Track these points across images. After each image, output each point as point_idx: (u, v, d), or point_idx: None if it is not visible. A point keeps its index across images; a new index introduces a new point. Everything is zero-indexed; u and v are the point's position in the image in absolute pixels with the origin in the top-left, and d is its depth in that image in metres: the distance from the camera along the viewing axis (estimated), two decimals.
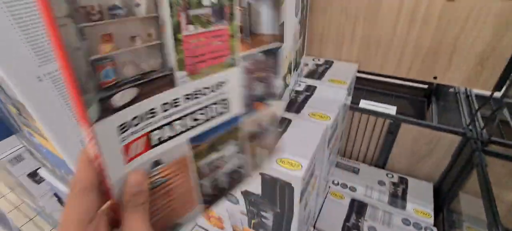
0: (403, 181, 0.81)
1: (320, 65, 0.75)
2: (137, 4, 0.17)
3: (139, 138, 0.20)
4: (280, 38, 0.29)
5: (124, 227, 0.19)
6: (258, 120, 0.31)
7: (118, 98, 0.18)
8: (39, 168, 0.75)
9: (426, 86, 1.24)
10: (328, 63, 0.76)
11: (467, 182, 0.66)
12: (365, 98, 1.31)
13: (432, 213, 0.70)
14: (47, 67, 0.34)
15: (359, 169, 0.86)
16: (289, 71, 0.54)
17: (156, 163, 0.22)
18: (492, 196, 0.52)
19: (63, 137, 0.37)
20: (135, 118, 0.19)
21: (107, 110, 0.17)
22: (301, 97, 0.61)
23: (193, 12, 0.20)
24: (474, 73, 0.60)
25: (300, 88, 0.64)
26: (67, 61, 0.14)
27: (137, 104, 0.19)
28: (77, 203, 0.18)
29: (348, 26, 0.70)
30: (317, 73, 0.70)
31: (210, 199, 0.28)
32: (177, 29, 0.20)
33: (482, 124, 0.69)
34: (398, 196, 0.76)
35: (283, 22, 0.44)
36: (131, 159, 0.20)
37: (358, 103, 1.21)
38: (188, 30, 0.21)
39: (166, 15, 0.19)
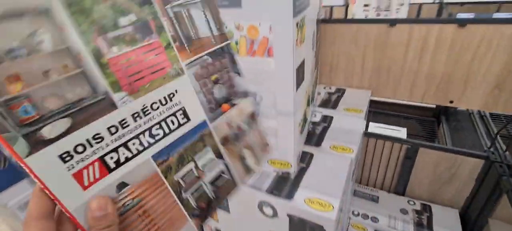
0: (426, 208, 0.77)
1: (332, 93, 0.75)
2: (40, 42, 0.17)
3: (90, 164, 0.20)
4: (223, 37, 0.29)
5: None
6: (229, 121, 0.30)
7: (48, 131, 0.18)
8: None
9: (434, 106, 1.23)
10: (340, 91, 0.75)
11: (496, 207, 0.63)
12: (373, 121, 1.30)
13: None
14: None
15: (378, 197, 0.83)
16: (308, 104, 0.54)
17: (122, 185, 0.22)
18: None
19: None
20: (78, 145, 0.19)
21: (38, 143, 0.18)
22: (319, 128, 0.60)
23: (111, 34, 0.20)
24: (492, 96, 0.60)
25: (317, 119, 0.63)
26: None
27: (76, 132, 0.19)
28: None
29: (358, 55, 0.71)
30: (331, 102, 0.70)
31: (200, 213, 0.28)
32: (98, 54, 0.20)
33: (503, 146, 0.67)
34: (424, 226, 0.72)
35: (304, 59, 0.44)
36: (89, 185, 0.20)
37: (367, 126, 1.20)
38: (112, 52, 0.21)
39: (79, 44, 0.19)
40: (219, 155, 0.29)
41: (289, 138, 0.43)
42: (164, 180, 0.25)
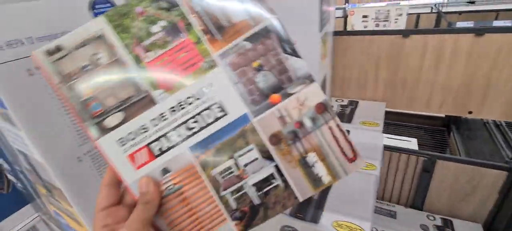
0: (447, 224, 0.74)
1: (346, 106, 0.73)
2: (98, 58, 0.24)
3: (140, 149, 0.25)
4: (259, 17, 0.25)
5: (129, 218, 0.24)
6: (281, 115, 0.26)
7: (109, 121, 0.24)
8: None
9: (443, 115, 1.21)
10: (353, 104, 0.74)
11: None
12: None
13: None
14: (87, 146, 0.31)
15: (396, 212, 0.80)
16: None
17: (165, 171, 0.26)
18: None
19: None
20: (130, 133, 0.25)
21: (103, 130, 0.24)
22: None
23: (146, 42, 0.24)
24: None
25: None
26: (69, 105, 0.24)
27: (127, 123, 0.25)
28: (100, 193, 0.24)
29: (371, 66, 0.69)
30: (345, 116, 0.68)
31: (242, 216, 0.27)
32: (138, 60, 0.24)
33: None
34: None
35: (326, 74, 0.42)
36: (140, 166, 0.25)
37: None
38: (149, 57, 0.24)
39: (124, 55, 0.24)
40: (267, 156, 0.26)
41: None
42: (201, 173, 0.26)
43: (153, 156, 0.25)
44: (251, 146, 0.26)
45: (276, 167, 0.26)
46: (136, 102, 0.24)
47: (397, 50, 0.64)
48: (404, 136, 1.24)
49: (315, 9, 0.31)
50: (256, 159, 0.26)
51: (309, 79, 0.25)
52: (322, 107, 0.26)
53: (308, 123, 0.26)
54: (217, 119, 0.25)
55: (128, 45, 0.24)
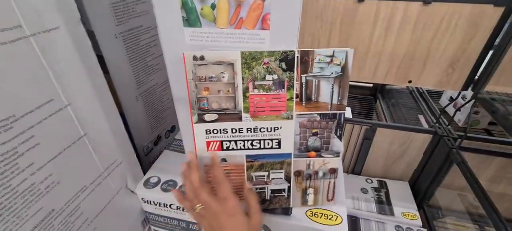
0: (382, 184, 0.81)
1: None
2: (223, 76, 0.36)
3: (215, 141, 0.39)
4: (340, 107, 0.38)
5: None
6: (309, 164, 0.40)
7: (207, 117, 0.38)
8: None
9: (371, 84, 1.31)
10: None
11: (445, 177, 0.68)
12: None
13: (417, 214, 0.70)
14: None
15: None
16: None
17: (223, 160, 0.41)
18: (484, 189, 0.53)
19: None
20: (214, 129, 0.38)
21: (201, 120, 0.38)
22: None
23: (257, 83, 0.36)
24: (446, 75, 0.62)
25: None
26: (189, 95, 0.36)
27: (217, 123, 0.38)
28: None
29: (324, 33, 0.64)
30: None
31: None
32: (246, 90, 0.37)
33: (446, 121, 0.73)
34: (384, 202, 0.75)
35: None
36: (209, 150, 0.41)
37: None
38: (254, 92, 0.36)
39: (239, 83, 0.36)
40: (287, 179, 0.42)
41: None
42: (245, 171, 0.41)
43: (221, 149, 0.39)
44: (282, 170, 0.41)
45: (288, 187, 0.42)
46: (229, 114, 0.37)
47: (352, 16, 0.60)
48: None
49: None
50: (281, 178, 0.41)
51: (337, 154, 0.40)
52: (333, 171, 0.41)
53: (320, 174, 0.41)
54: (271, 148, 0.39)
55: (245, 78, 0.36)
